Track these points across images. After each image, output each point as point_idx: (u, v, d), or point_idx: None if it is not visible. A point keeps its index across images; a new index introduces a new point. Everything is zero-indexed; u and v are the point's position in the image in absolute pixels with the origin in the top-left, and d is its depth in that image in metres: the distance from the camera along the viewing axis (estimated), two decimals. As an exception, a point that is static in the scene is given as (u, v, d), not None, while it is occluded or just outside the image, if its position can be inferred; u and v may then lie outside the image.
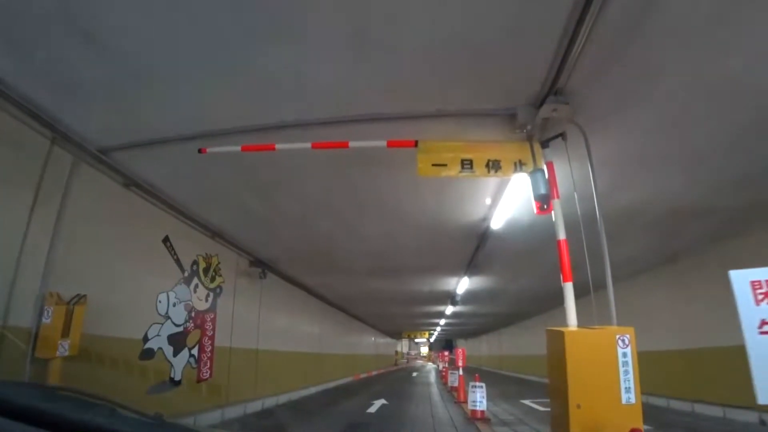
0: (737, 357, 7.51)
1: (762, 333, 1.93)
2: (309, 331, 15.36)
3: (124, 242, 5.86)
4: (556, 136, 4.01)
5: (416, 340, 58.18)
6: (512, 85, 3.75)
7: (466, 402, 9.95)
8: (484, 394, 8.28)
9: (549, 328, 3.20)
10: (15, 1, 2.99)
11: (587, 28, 2.96)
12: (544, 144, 4.06)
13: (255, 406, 9.40)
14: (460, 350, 12.58)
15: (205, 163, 5.19)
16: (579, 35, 3.04)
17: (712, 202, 6.39)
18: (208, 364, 7.91)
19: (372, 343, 31.64)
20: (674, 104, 4.04)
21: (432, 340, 52.93)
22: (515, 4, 2.91)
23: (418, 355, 65.13)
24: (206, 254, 8.11)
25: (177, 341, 7.01)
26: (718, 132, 4.54)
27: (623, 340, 2.84)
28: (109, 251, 5.57)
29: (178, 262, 7.18)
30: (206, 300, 8.06)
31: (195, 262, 7.73)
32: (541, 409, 9.92)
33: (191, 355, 7.42)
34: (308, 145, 4.16)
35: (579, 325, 3.38)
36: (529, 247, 8.87)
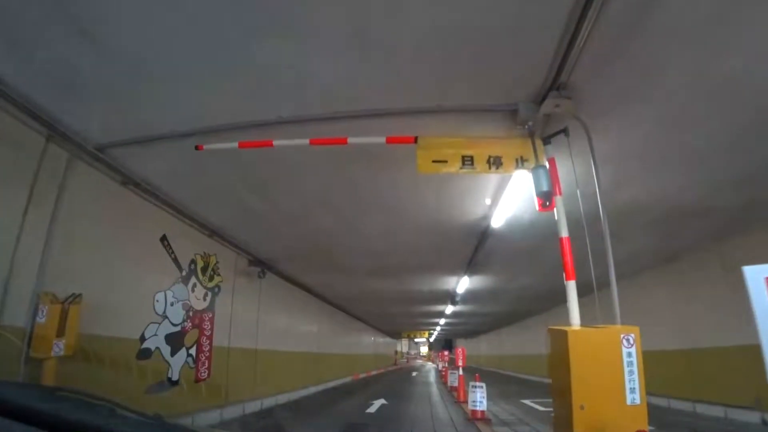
0: (738, 357, 7.50)
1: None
2: (308, 330, 15.31)
3: (120, 241, 5.80)
4: (558, 132, 3.94)
5: (416, 340, 58.19)
6: (513, 81, 3.69)
7: (466, 402, 9.91)
8: (485, 394, 8.22)
9: (551, 327, 3.14)
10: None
11: (589, 23, 2.92)
12: (546, 140, 3.99)
13: (254, 406, 9.35)
14: (460, 350, 12.51)
15: (202, 160, 5.14)
16: (581, 30, 3.00)
17: (713, 201, 6.37)
18: (206, 364, 7.85)
19: (371, 342, 31.60)
20: (676, 102, 4.01)
21: (432, 339, 52.92)
22: (516, -2, 2.86)
23: (418, 355, 65.13)
24: (204, 253, 8.05)
25: (175, 341, 6.95)
26: (719, 130, 4.51)
27: (628, 340, 2.78)
28: (105, 250, 5.51)
29: (175, 261, 7.12)
30: (204, 299, 8.00)
31: (193, 261, 7.67)
32: (542, 409, 9.88)
33: (189, 355, 7.36)
34: (306, 141, 4.11)
35: (582, 324, 3.31)
36: (529, 246, 8.82)
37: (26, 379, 4.22)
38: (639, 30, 3.10)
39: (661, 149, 4.95)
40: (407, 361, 55.28)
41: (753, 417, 7.36)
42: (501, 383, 18.49)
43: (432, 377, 25.81)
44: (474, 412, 8.23)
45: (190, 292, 7.53)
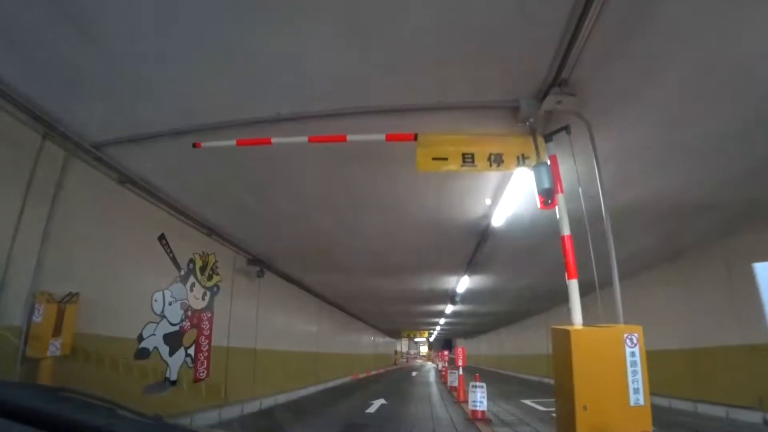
0: (741, 356, 7.47)
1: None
2: (307, 330, 15.27)
3: (118, 240, 5.76)
4: (560, 129, 3.90)
5: (416, 340, 58.22)
6: (515, 76, 3.64)
7: (466, 402, 9.87)
8: (485, 394, 8.18)
9: (554, 326, 3.10)
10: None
11: (592, 18, 2.88)
12: (548, 137, 3.95)
13: (253, 407, 9.31)
14: (460, 349, 12.46)
15: (201, 159, 5.12)
16: (583, 25, 2.95)
17: (716, 199, 6.33)
18: (205, 363, 7.81)
19: (371, 342, 31.56)
20: (678, 99, 3.97)
21: (431, 339, 52.91)
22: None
23: (418, 355, 65.14)
24: (203, 252, 8.00)
25: (173, 341, 6.91)
26: (721, 127, 4.47)
27: (631, 339, 2.74)
28: (103, 249, 5.47)
29: (174, 260, 7.08)
30: (203, 299, 7.96)
31: (191, 261, 7.62)
32: (542, 409, 9.85)
33: (187, 355, 7.31)
34: (305, 138, 4.06)
35: (584, 324, 3.27)
36: (530, 245, 8.79)
37: (22, 379, 4.18)
38: (641, 26, 3.07)
39: (662, 147, 4.91)
40: (407, 361, 55.24)
41: (755, 417, 7.32)
42: (501, 383, 18.46)
43: (432, 377, 25.77)
44: (474, 412, 8.19)
45: (189, 291, 7.48)
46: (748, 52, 3.33)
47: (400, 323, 32.34)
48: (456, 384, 12.51)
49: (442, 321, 28.36)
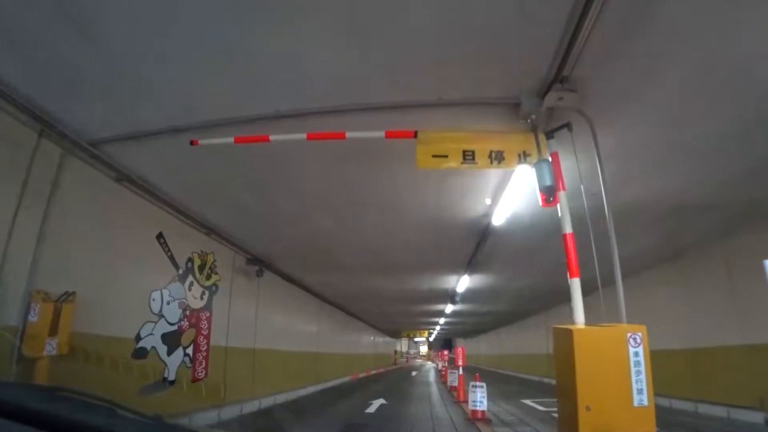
0: (742, 356, 7.45)
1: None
2: (307, 330, 15.23)
3: (115, 239, 5.72)
4: (562, 127, 3.85)
5: (415, 339, 58.21)
6: (516, 73, 3.60)
7: (466, 402, 9.83)
8: (485, 394, 8.13)
9: (556, 326, 3.05)
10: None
11: (592, 17, 2.87)
12: (549, 135, 3.90)
13: (252, 406, 9.27)
14: (460, 349, 12.42)
15: (199, 157, 5.09)
16: (585, 21, 2.92)
17: (716, 199, 6.32)
18: (204, 363, 7.77)
19: (371, 342, 31.53)
20: (679, 97, 3.95)
21: (431, 339, 52.89)
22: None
23: (418, 354, 65.11)
24: (201, 251, 7.96)
25: (171, 340, 6.87)
26: (723, 126, 4.45)
27: (635, 339, 2.69)
28: (100, 248, 5.42)
29: (172, 259, 7.03)
30: (201, 298, 7.91)
31: (190, 260, 7.57)
32: (543, 409, 9.81)
33: (186, 355, 7.27)
34: (303, 135, 4.01)
35: (586, 323, 3.22)
36: (530, 245, 8.76)
37: (18, 378, 4.14)
38: (641, 26, 3.05)
39: (662, 147, 4.90)
40: (407, 361, 55.19)
41: (756, 417, 7.29)
42: (501, 383, 18.42)
43: (432, 377, 25.74)
44: (474, 412, 8.15)
45: (187, 290, 7.44)
46: (748, 52, 3.32)
47: (400, 323, 32.31)
48: (456, 384, 12.47)
49: (441, 321, 28.33)
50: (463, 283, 13.09)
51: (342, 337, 21.02)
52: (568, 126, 3.82)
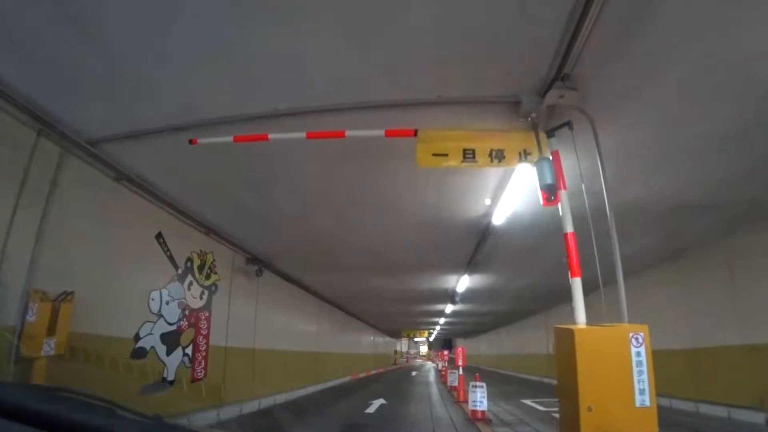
0: (742, 356, 7.44)
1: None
2: (307, 329, 15.20)
3: (114, 238, 5.70)
4: (562, 125, 3.83)
5: (415, 339, 58.20)
6: (516, 71, 3.57)
7: (466, 402, 9.80)
8: (485, 394, 8.11)
9: (557, 325, 3.03)
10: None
11: (595, 12, 2.84)
12: (550, 133, 3.88)
13: (251, 406, 9.24)
14: (460, 349, 12.40)
15: (198, 156, 5.07)
16: (586, 19, 2.89)
17: (717, 199, 6.31)
18: (203, 363, 7.75)
19: (371, 342, 31.50)
20: (679, 98, 3.96)
21: (431, 339, 52.86)
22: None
23: (418, 354, 65.09)
24: (201, 251, 7.93)
25: (170, 340, 6.84)
26: (723, 126, 4.44)
27: (637, 339, 2.67)
28: (99, 247, 5.40)
29: (171, 258, 7.01)
30: (201, 298, 7.89)
31: (189, 259, 7.55)
32: (543, 409, 9.79)
33: (185, 355, 7.25)
34: (303, 134, 3.99)
35: (587, 323, 3.19)
36: (530, 244, 8.74)
37: (16, 378, 4.12)
38: (646, 18, 3.01)
39: (662, 147, 4.89)
40: (407, 361, 55.17)
41: (757, 417, 7.26)
42: (501, 383, 18.40)
43: (432, 377, 25.71)
44: (474, 412, 8.12)
45: (186, 290, 7.41)
46: (748, 52, 3.31)
47: (400, 323, 32.28)
48: (456, 384, 12.44)
49: (441, 321, 28.30)
50: (463, 283, 13.07)
51: (342, 336, 20.99)
52: (568, 124, 3.80)
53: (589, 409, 2.55)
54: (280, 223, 7.85)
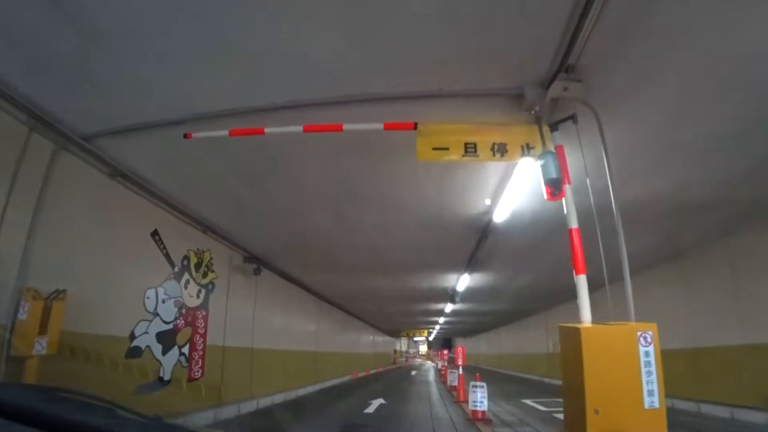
0: (742, 356, 7.38)
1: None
2: (306, 329, 15.11)
3: (109, 235, 5.59)
4: (566, 119, 3.72)
5: (415, 339, 58.18)
6: (519, 62, 3.48)
7: (466, 402, 9.72)
8: (485, 394, 8.02)
9: (563, 324, 2.93)
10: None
11: (593, 17, 2.83)
12: (553, 127, 3.77)
13: (249, 406, 9.15)
14: (460, 348, 12.30)
15: (194, 151, 4.98)
16: (592, 7, 2.80)
17: (717, 198, 6.29)
18: (200, 363, 7.65)
19: (370, 341, 31.44)
20: (679, 98, 3.93)
21: (431, 338, 52.81)
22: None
23: (417, 354, 65.04)
24: (198, 249, 7.84)
25: (166, 339, 6.75)
26: (723, 126, 4.42)
27: (645, 338, 2.57)
28: (93, 245, 5.30)
29: (167, 256, 6.91)
30: (198, 297, 7.79)
31: (186, 257, 7.45)
32: (544, 409, 9.71)
33: (182, 354, 7.15)
34: (300, 128, 3.89)
35: (594, 322, 3.09)
36: (531, 242, 8.66)
37: (6, 378, 4.03)
38: (641, 26, 2.99)
39: (663, 146, 4.87)
40: (406, 360, 55.12)
41: (761, 417, 7.18)
42: (501, 382, 18.32)
43: (431, 376, 25.63)
44: (474, 412, 8.03)
45: (183, 288, 7.31)
46: (749, 52, 3.28)
47: (400, 322, 32.22)
48: (456, 383, 12.36)
49: (441, 320, 28.24)
50: (463, 281, 12.99)
51: (341, 336, 20.92)
52: (573, 118, 3.70)
53: (596, 411, 2.45)
54: (278, 221, 7.76)
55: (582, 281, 3.24)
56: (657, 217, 7.09)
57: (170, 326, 6.89)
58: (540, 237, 8.10)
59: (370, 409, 9.85)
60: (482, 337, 39.01)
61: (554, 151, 3.57)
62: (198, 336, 7.66)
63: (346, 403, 11.31)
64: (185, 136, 4.17)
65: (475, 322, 29.64)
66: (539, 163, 3.52)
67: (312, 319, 15.77)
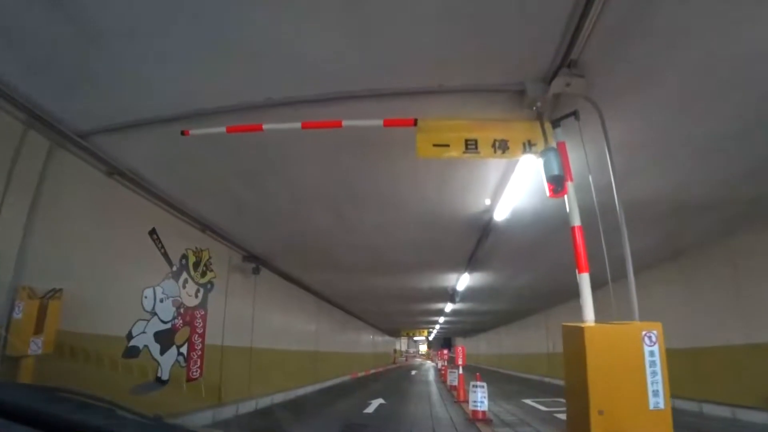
0: (744, 355, 7.34)
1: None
2: (305, 328, 15.07)
3: (106, 234, 5.54)
4: (568, 115, 3.67)
5: (415, 338, 58.18)
6: (520, 57, 3.43)
7: (466, 402, 9.67)
8: (486, 394, 7.97)
9: (566, 323, 2.87)
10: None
11: (593, 17, 2.80)
12: (555, 123, 3.72)
13: (248, 406, 9.09)
14: (460, 348, 12.26)
15: (192, 149, 4.94)
16: (593, 5, 2.77)
17: (717, 198, 6.27)
18: (198, 362, 7.60)
19: (370, 341, 31.40)
20: (678, 98, 3.92)
21: (431, 338, 52.79)
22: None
23: (417, 354, 65.03)
24: (196, 248, 7.78)
25: (164, 339, 6.69)
26: (723, 126, 4.41)
27: (650, 337, 2.52)
28: (90, 243, 5.25)
29: (165, 255, 6.86)
30: (196, 296, 7.74)
31: (184, 256, 7.40)
32: (544, 409, 9.66)
33: (180, 354, 7.10)
34: (298, 124, 3.84)
35: (596, 321, 3.04)
36: (531, 241, 8.62)
37: (1, 378, 3.97)
38: (653, 8, 2.91)
39: (662, 146, 4.85)
40: (406, 360, 55.11)
41: (762, 418, 7.13)
42: (501, 382, 18.28)
43: (431, 376, 25.58)
44: (475, 412, 7.98)
45: (181, 288, 7.26)
46: (753, 52, 3.26)
47: (400, 322, 32.18)
48: (456, 383, 12.32)
49: (441, 320, 28.19)
50: (463, 281, 12.94)
51: (341, 336, 20.88)
52: (575, 114, 3.65)
53: (600, 412, 2.40)
54: (278, 220, 7.71)
55: (585, 279, 3.19)
56: (657, 217, 7.07)
57: (168, 326, 6.84)
58: (541, 236, 8.05)
59: (370, 409, 9.80)
60: (482, 337, 38.98)
61: (556, 147, 3.52)
62: (196, 336, 7.61)
63: (346, 403, 11.26)
64: (182, 133, 4.12)
65: (475, 322, 29.60)
66: (541, 159, 3.46)
67: (311, 319, 15.72)
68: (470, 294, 15.18)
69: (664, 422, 2.42)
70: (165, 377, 6.67)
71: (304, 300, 14.69)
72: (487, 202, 6.41)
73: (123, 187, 5.73)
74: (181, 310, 7.21)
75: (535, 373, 20.58)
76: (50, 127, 4.42)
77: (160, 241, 6.71)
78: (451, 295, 15.60)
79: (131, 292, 6.12)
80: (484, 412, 7.93)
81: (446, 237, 8.60)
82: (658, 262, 10.23)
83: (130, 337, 5.94)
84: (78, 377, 4.62)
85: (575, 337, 2.64)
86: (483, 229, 7.88)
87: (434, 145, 3.64)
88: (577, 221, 3.34)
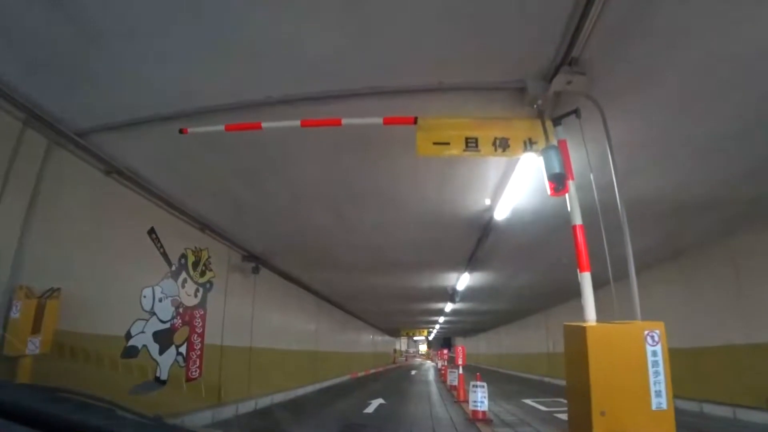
0: (744, 355, 7.32)
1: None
2: (305, 328, 15.04)
3: (105, 233, 5.51)
4: (570, 113, 3.65)
5: (415, 338, 58.18)
6: (521, 56, 3.41)
7: (466, 401, 9.65)
8: (486, 394, 7.95)
9: (567, 323, 2.85)
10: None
11: (593, 17, 2.79)
12: (556, 121, 3.70)
13: (248, 406, 9.07)
14: (460, 348, 12.23)
15: (191, 148, 4.91)
16: (593, 5, 2.76)
17: (717, 198, 6.26)
18: (198, 362, 7.58)
19: (370, 340, 31.38)
20: (678, 98, 3.91)
21: (431, 338, 52.78)
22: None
23: (417, 353, 65.02)
24: (195, 247, 7.76)
25: (163, 339, 6.67)
26: (723, 126, 4.40)
27: (652, 337, 2.50)
28: (88, 243, 5.23)
29: (164, 255, 6.83)
30: (195, 295, 7.71)
31: (183, 256, 7.37)
32: (544, 409, 9.64)
33: (179, 353, 7.07)
34: (297, 122, 3.81)
35: (598, 320, 3.02)
36: (532, 240, 8.60)
37: (-2, 378, 3.95)
38: (653, 8, 2.90)
39: (662, 146, 4.85)
40: (406, 360, 55.09)
41: (763, 418, 7.11)
42: (501, 382, 18.26)
43: (431, 376, 25.56)
44: (475, 412, 7.96)
45: (180, 287, 7.24)
46: (750, 52, 3.26)
47: (400, 322, 32.17)
48: (456, 383, 12.30)
49: (441, 319, 28.18)
50: (463, 281, 12.93)
51: (341, 335, 20.85)
52: (576, 112, 3.62)
53: (602, 413, 2.38)
54: (277, 219, 7.69)
55: (586, 278, 3.17)
56: (657, 217, 7.05)
57: (167, 325, 6.82)
58: (541, 235, 8.03)
59: (370, 409, 9.78)
60: (482, 337, 38.97)
61: (557, 145, 3.49)
62: (196, 335, 7.58)
63: (346, 403, 11.24)
64: (181, 131, 4.09)
65: (475, 322, 29.58)
66: (542, 158, 3.44)
67: (311, 319, 15.70)
68: (470, 294, 15.16)
69: (666, 423, 2.40)
70: (164, 377, 6.64)
71: (304, 299, 14.67)
72: (488, 201, 6.39)
73: (122, 186, 5.70)
74: (180, 310, 7.19)
75: (535, 373, 20.57)
76: (49, 126, 4.40)
77: (159, 241, 6.68)
78: (451, 295, 15.57)
79: (130, 291, 6.10)
80: (484, 412, 7.91)
81: (446, 236, 8.58)
82: (659, 262, 10.23)
83: (128, 336, 5.91)
84: (76, 377, 4.59)
85: (577, 337, 2.61)
86: (483, 229, 7.86)
87: (434, 144, 3.62)
88: (578, 220, 3.32)
